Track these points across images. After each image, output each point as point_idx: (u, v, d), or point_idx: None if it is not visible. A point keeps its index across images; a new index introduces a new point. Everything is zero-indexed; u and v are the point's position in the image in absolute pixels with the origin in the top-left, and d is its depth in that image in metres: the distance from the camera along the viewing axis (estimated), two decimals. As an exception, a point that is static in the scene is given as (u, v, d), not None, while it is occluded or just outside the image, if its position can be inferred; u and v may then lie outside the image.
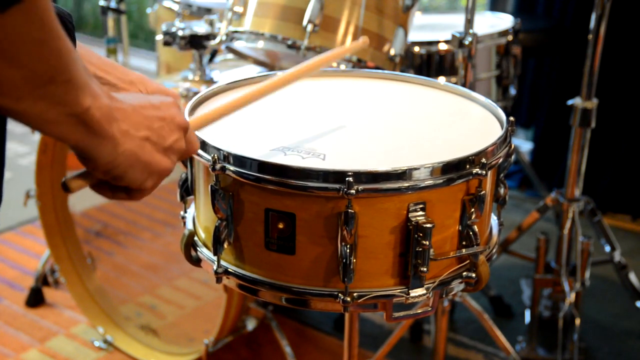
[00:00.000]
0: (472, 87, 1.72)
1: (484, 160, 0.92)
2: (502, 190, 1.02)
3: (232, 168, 0.90)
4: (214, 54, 2.09)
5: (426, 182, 0.88)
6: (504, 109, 1.17)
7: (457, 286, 0.97)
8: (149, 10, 2.54)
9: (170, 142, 0.80)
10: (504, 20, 2.19)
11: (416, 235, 0.88)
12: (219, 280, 0.97)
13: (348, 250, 0.88)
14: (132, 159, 0.75)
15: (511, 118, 1.01)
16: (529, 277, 2.30)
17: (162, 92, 0.94)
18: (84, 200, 2.18)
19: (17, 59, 0.61)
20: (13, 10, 0.59)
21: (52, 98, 0.65)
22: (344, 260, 0.88)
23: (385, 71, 1.44)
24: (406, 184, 0.87)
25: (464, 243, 0.95)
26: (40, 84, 0.64)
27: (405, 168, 0.87)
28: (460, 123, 1.09)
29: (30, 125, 0.68)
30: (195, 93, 1.74)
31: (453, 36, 1.70)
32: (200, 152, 0.94)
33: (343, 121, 1.08)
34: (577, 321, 1.94)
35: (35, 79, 0.63)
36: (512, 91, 2.10)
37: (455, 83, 1.46)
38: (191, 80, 1.89)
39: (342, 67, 1.65)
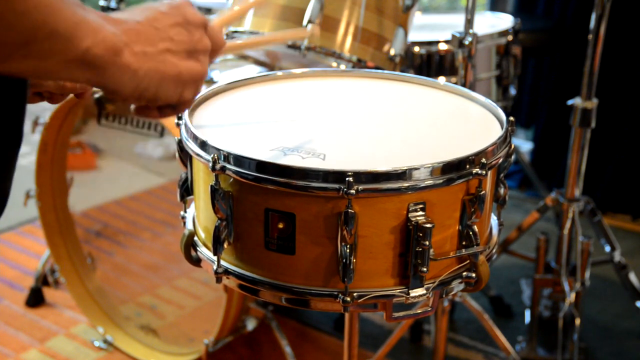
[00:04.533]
0: (472, 87, 1.72)
1: (484, 160, 0.92)
2: (502, 190, 1.02)
3: (232, 168, 0.90)
4: (214, 54, 2.09)
5: (426, 182, 0.88)
6: (504, 109, 1.17)
7: (457, 286, 0.97)
8: (149, 10, 2.54)
9: (193, 44, 0.76)
10: (504, 20, 2.19)
11: (416, 235, 0.88)
12: (219, 280, 0.97)
13: (348, 250, 0.88)
14: (158, 77, 0.72)
15: (511, 118, 1.01)
16: (529, 277, 2.30)
17: None
18: (84, 200, 2.18)
19: None
20: None
21: (38, 53, 0.62)
22: (344, 260, 0.88)
23: (385, 71, 1.44)
24: (406, 184, 0.87)
25: (464, 243, 0.95)
26: (19, 47, 0.61)
27: (405, 168, 0.87)
28: (460, 123, 1.09)
29: (29, 78, 0.65)
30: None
31: (453, 36, 1.70)
32: (200, 152, 0.94)
33: (343, 121, 1.08)
34: (577, 321, 1.94)
35: (9, 45, 0.60)
36: (512, 91, 2.10)
37: (455, 83, 1.46)
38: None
39: (342, 67, 1.65)
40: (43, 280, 2.34)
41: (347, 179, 0.85)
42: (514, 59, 2.07)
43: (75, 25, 0.64)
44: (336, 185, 0.86)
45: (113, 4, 2.33)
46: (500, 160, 0.97)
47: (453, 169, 0.90)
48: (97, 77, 0.68)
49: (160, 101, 0.75)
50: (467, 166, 0.91)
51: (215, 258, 0.96)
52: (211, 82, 1.89)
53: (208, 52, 0.80)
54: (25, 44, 0.61)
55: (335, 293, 0.91)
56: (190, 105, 0.80)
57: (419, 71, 1.99)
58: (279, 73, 1.24)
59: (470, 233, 0.94)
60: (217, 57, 0.86)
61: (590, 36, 1.86)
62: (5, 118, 0.70)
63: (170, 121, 1.68)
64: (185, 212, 1.08)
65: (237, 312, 1.83)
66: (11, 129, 0.72)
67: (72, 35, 0.64)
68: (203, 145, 0.94)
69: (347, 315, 1.24)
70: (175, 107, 0.79)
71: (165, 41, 0.73)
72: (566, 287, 1.97)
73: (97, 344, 2.10)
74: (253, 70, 1.99)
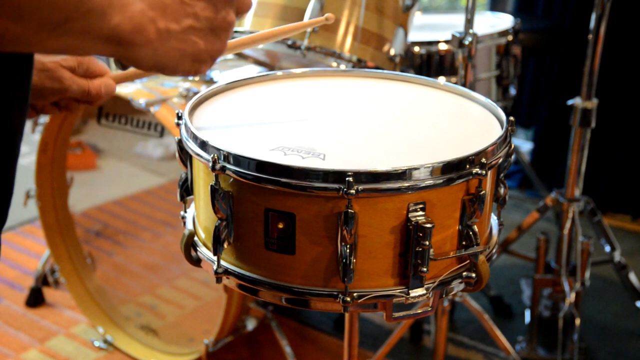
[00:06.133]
0: (472, 87, 1.72)
1: (484, 160, 0.92)
2: (502, 190, 1.02)
3: (232, 168, 0.90)
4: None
5: (426, 182, 0.88)
6: (504, 109, 1.17)
7: (457, 286, 0.97)
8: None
9: (217, 22, 0.76)
10: (504, 20, 2.19)
11: (416, 235, 0.88)
12: (219, 280, 0.97)
13: (348, 250, 0.88)
14: (177, 55, 0.73)
15: (511, 118, 1.01)
16: (529, 277, 2.30)
17: None
18: (84, 200, 2.18)
19: (20, 14, 0.59)
20: None
21: (74, 31, 0.63)
22: (344, 260, 0.88)
23: (385, 71, 1.44)
24: (406, 184, 0.87)
25: (464, 243, 0.95)
26: (58, 26, 0.62)
27: (405, 168, 0.87)
28: (460, 123, 1.09)
29: (62, 54, 0.69)
30: (195, 93, 1.75)
31: (453, 36, 1.70)
32: (200, 152, 0.94)
33: (343, 121, 1.08)
34: (577, 321, 1.94)
35: (48, 24, 0.61)
36: (512, 91, 2.10)
37: (455, 83, 1.46)
38: (191, 80, 1.89)
39: (342, 67, 1.65)
40: (43, 280, 2.34)
41: (347, 178, 0.85)
42: (514, 59, 2.07)
43: (108, 2, 0.65)
44: (336, 185, 0.86)
45: None
46: (500, 160, 0.97)
47: (453, 169, 0.90)
48: (122, 51, 0.69)
49: (177, 74, 0.76)
50: (467, 166, 0.91)
51: (215, 258, 0.96)
52: (211, 82, 1.89)
53: (231, 28, 0.79)
54: (65, 21, 0.62)
55: (335, 293, 0.91)
56: (207, 69, 0.81)
57: (419, 71, 1.99)
58: (279, 73, 1.24)
59: (470, 233, 0.94)
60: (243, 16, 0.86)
61: (590, 36, 1.86)
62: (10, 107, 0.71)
63: (170, 121, 1.68)
64: (185, 212, 1.08)
65: (237, 312, 1.83)
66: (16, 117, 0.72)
67: (105, 12, 0.65)
68: (203, 145, 0.94)
69: (347, 315, 1.24)
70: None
71: (190, 17, 0.74)
72: (566, 287, 1.97)
73: (97, 344, 2.10)
74: (253, 70, 1.99)
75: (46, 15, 0.61)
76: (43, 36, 0.62)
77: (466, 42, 1.68)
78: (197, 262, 1.03)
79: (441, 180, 0.89)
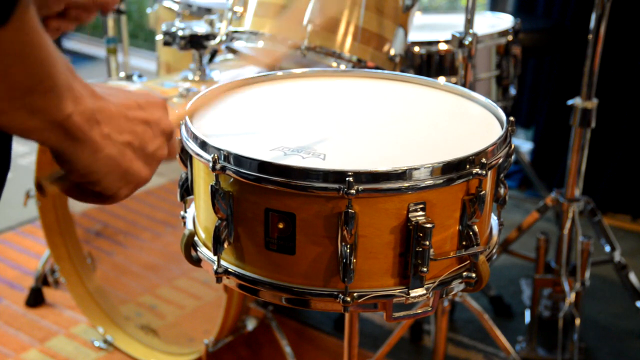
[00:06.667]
0: (472, 87, 1.72)
1: (484, 160, 0.92)
2: (502, 190, 1.02)
3: (232, 168, 0.90)
4: (214, 54, 2.09)
5: (426, 182, 0.88)
6: (504, 109, 1.17)
7: (457, 286, 0.97)
8: (149, 10, 2.54)
9: (152, 149, 0.77)
10: (504, 20, 2.19)
11: (416, 235, 0.88)
12: (219, 280, 0.97)
13: (348, 250, 0.88)
14: (111, 164, 0.72)
15: (511, 118, 1.01)
16: (529, 277, 2.30)
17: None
18: (84, 200, 2.18)
19: None
20: None
21: (31, 108, 0.62)
22: (344, 260, 0.88)
23: (385, 71, 1.44)
24: (406, 184, 0.87)
25: (464, 243, 0.95)
26: (19, 96, 0.61)
27: (405, 168, 0.87)
28: (460, 123, 1.09)
29: (7, 132, 0.65)
30: (195, 93, 1.74)
31: (453, 36, 1.71)
32: (200, 152, 0.94)
33: (343, 121, 1.08)
34: (577, 321, 1.95)
35: (14, 92, 0.60)
36: (512, 91, 2.10)
37: (455, 83, 1.46)
38: (191, 80, 1.89)
39: (342, 67, 1.65)
40: (43, 280, 2.34)
41: (347, 179, 0.85)
42: (514, 59, 2.07)
43: (67, 86, 0.64)
44: (336, 185, 0.86)
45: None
46: (500, 160, 0.97)
47: (453, 169, 0.90)
48: (65, 145, 0.68)
49: (99, 187, 0.74)
50: (467, 166, 0.91)
51: (215, 258, 0.96)
52: (211, 82, 1.89)
53: (160, 162, 0.80)
54: (28, 91, 0.61)
55: (335, 293, 0.91)
56: (117, 201, 0.79)
57: (419, 71, 1.99)
58: (279, 73, 1.24)
59: (471, 233, 0.94)
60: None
61: (590, 36, 1.86)
62: None
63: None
64: (185, 212, 1.08)
65: (237, 312, 1.83)
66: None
67: (63, 96, 0.64)
68: (203, 145, 0.94)
69: (347, 315, 1.24)
70: (103, 199, 0.78)
71: (131, 134, 0.74)
72: (566, 287, 1.97)
73: (97, 344, 2.10)
74: (253, 70, 1.99)
75: (15, 80, 0.60)
76: (5, 105, 0.61)
77: (466, 42, 1.68)
78: (197, 262, 1.03)
79: (441, 181, 0.89)
